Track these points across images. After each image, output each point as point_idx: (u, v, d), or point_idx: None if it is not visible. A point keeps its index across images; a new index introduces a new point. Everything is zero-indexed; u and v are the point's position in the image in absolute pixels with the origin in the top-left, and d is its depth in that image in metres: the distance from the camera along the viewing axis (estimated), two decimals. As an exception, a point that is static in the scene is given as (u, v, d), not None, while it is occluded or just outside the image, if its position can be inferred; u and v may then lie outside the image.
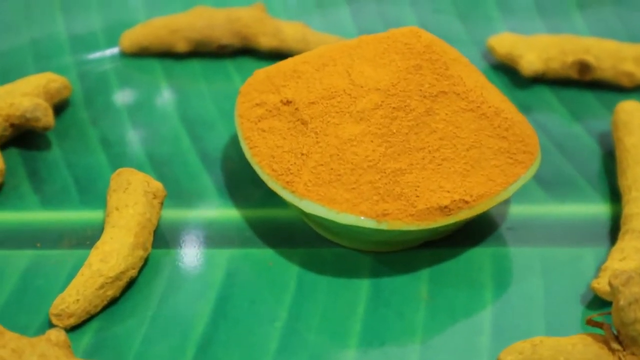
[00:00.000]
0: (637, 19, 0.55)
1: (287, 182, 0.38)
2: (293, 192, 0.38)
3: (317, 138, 0.39)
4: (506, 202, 0.44)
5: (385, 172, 0.38)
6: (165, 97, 0.49)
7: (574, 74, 0.50)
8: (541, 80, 0.51)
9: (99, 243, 0.38)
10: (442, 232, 0.40)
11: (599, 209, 0.44)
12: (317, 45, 0.50)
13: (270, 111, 0.41)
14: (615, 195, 0.44)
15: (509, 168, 0.39)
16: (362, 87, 0.39)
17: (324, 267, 0.40)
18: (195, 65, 0.51)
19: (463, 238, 0.42)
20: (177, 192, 0.43)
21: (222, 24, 0.51)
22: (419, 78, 0.39)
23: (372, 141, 0.38)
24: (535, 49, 0.50)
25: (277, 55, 0.51)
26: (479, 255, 0.41)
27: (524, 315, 0.39)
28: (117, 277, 0.37)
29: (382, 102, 0.38)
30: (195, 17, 0.51)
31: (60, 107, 0.48)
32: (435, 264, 0.41)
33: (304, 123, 0.39)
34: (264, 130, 0.40)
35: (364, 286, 0.40)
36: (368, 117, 0.38)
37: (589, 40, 0.51)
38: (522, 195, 0.44)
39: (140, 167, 0.44)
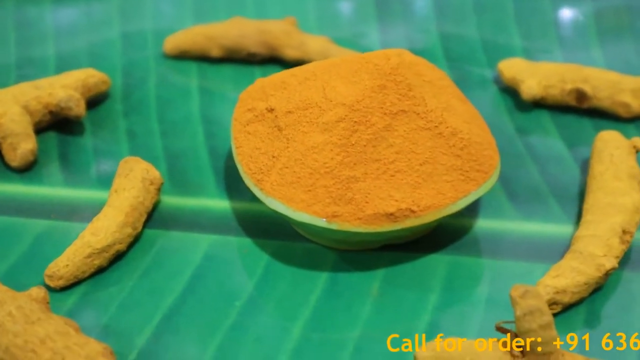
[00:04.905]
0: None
1: (258, 180, 0.44)
2: (261, 189, 0.43)
3: (287, 143, 0.43)
4: (474, 214, 0.47)
5: (339, 179, 0.42)
6: (194, 96, 0.55)
7: (572, 101, 0.53)
8: (542, 104, 0.54)
9: (94, 219, 0.45)
10: (402, 237, 0.44)
11: (562, 229, 0.46)
12: (339, 59, 0.55)
13: (257, 116, 0.46)
14: (580, 218, 0.47)
15: (460, 184, 0.43)
16: (331, 101, 0.43)
17: (292, 259, 0.45)
18: (227, 69, 0.57)
19: (425, 244, 0.46)
20: (182, 182, 0.49)
21: (253, 34, 0.57)
22: (382, 97, 0.43)
23: (332, 150, 0.42)
24: (537, 76, 0.53)
25: (300, 64, 0.56)
26: (435, 261, 0.45)
27: (460, 319, 0.42)
28: (103, 249, 0.43)
29: (346, 115, 0.43)
30: (230, 26, 0.57)
31: (99, 99, 0.54)
32: (392, 265, 0.45)
33: (280, 129, 0.44)
34: (249, 133, 0.45)
35: (322, 279, 0.44)
36: (331, 128, 0.43)
37: (590, 70, 0.53)
38: (490, 208, 0.47)
39: (155, 158, 0.50)
